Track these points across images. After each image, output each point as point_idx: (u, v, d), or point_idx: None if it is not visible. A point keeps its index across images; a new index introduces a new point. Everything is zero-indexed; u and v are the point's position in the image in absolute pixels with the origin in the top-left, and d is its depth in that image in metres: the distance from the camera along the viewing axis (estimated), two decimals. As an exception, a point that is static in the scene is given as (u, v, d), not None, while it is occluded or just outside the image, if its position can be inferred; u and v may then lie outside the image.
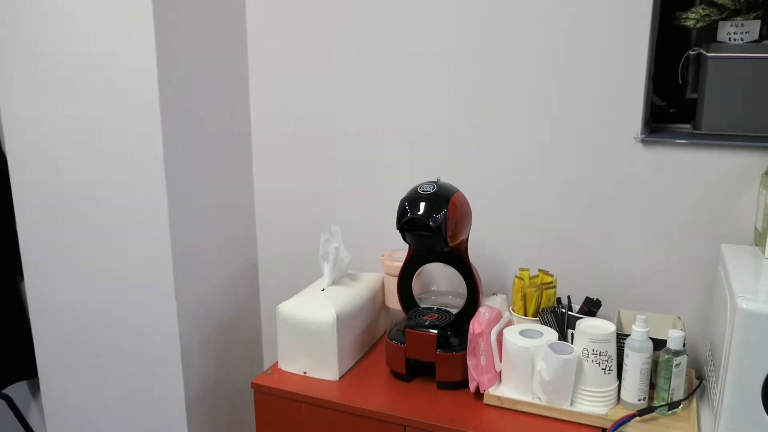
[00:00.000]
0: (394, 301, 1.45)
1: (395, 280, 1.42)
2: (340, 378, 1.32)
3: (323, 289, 1.37)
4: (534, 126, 1.41)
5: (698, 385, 1.24)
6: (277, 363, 1.37)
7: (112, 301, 1.55)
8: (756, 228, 1.25)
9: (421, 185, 1.24)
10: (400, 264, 1.38)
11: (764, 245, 1.16)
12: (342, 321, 1.29)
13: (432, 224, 1.18)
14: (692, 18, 1.28)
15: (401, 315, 1.47)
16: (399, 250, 1.53)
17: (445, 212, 1.19)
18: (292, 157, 1.66)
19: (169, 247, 1.44)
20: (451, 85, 1.46)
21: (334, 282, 1.41)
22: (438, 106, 1.48)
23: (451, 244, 1.22)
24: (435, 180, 1.26)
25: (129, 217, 1.47)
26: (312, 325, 1.29)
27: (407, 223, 1.21)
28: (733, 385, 0.99)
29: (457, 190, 1.25)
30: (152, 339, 1.52)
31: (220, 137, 1.58)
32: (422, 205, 1.20)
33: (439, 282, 1.47)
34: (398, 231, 1.23)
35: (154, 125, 1.38)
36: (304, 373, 1.33)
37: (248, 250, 1.73)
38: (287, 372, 1.34)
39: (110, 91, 1.41)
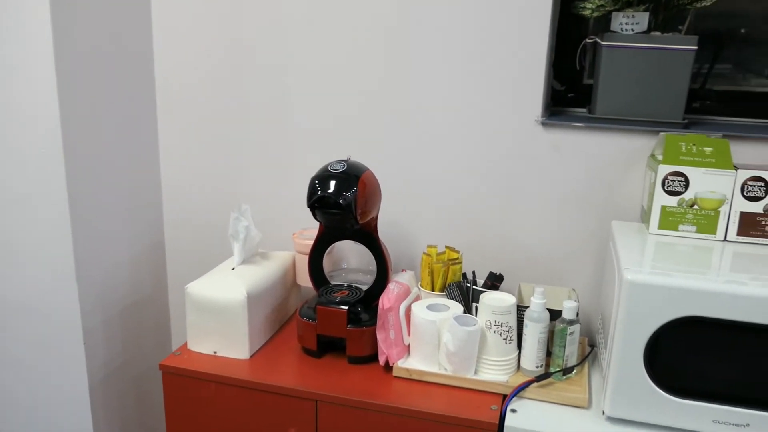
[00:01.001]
0: (305, 279, 1.47)
1: (306, 258, 1.43)
2: (250, 357, 1.32)
3: (233, 269, 1.36)
4: (441, 108, 1.45)
5: (590, 351, 1.34)
6: (186, 344, 1.35)
7: (10, 281, 1.47)
8: (642, 206, 1.35)
9: (331, 164, 1.25)
10: (311, 242, 1.40)
11: (648, 223, 1.26)
12: (252, 299, 1.29)
13: (342, 202, 1.20)
14: (589, 8, 1.36)
15: (312, 293, 1.49)
16: (310, 228, 1.54)
17: (355, 190, 1.21)
18: (199, 134, 1.63)
19: (69, 226, 1.38)
20: (361, 66, 1.47)
21: (244, 261, 1.40)
22: (348, 87, 1.49)
23: (360, 222, 1.24)
24: (345, 158, 1.27)
25: (26, 194, 1.39)
26: (222, 305, 1.28)
27: (317, 201, 1.22)
28: (619, 349, 1.07)
29: (367, 169, 1.27)
30: (52, 321, 1.46)
31: (122, 113, 1.52)
32: (332, 183, 1.22)
33: (350, 259, 1.50)
34: (309, 209, 1.24)
35: (50, 98, 1.31)
36: (214, 352, 1.32)
37: (154, 229, 1.68)
38: (197, 352, 1.33)
39: (2, 59, 1.33)
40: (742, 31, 1.42)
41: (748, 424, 1.05)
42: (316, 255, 1.36)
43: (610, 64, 1.32)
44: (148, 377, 1.72)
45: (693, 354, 1.06)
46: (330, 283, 1.39)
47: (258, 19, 1.51)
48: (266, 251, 1.50)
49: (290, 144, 1.57)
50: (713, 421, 1.06)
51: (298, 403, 1.22)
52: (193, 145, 1.64)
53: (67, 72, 1.33)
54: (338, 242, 1.39)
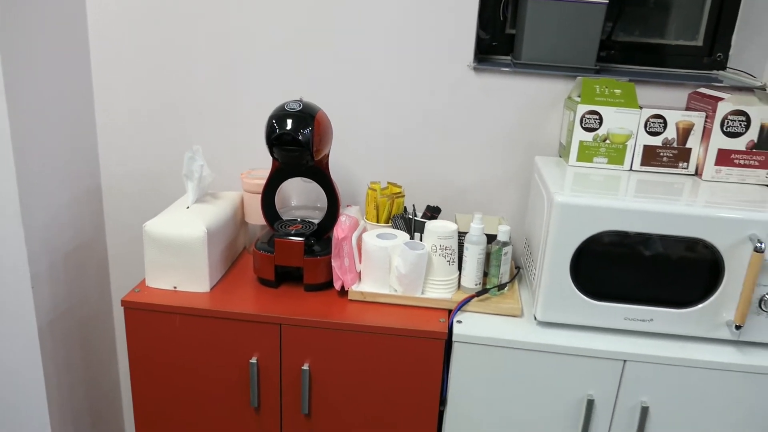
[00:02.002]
0: (253, 218, 1.54)
1: (254, 197, 1.50)
2: (210, 289, 1.38)
3: (188, 207, 1.41)
4: (380, 56, 1.54)
5: (517, 271, 1.52)
6: (144, 281, 1.39)
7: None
8: (560, 142, 1.53)
9: (287, 103, 1.32)
10: (260, 181, 1.46)
11: (567, 156, 1.44)
12: (211, 235, 1.35)
13: (301, 139, 1.27)
14: (514, -39, 1.48)
15: (258, 231, 1.56)
16: (257, 168, 1.60)
17: (311, 128, 1.29)
18: (135, 75, 1.62)
19: (13, 170, 1.36)
20: (303, 12, 1.53)
21: (198, 200, 1.45)
22: (291, 34, 1.55)
23: (316, 159, 1.33)
24: (299, 99, 1.34)
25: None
26: (181, 241, 1.33)
27: (276, 138, 1.29)
28: (549, 262, 1.25)
29: (320, 109, 1.35)
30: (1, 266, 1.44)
31: (56, 53, 1.49)
32: (290, 121, 1.29)
33: (296, 198, 1.58)
34: (267, 146, 1.31)
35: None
36: (174, 288, 1.37)
37: (91, 172, 1.67)
38: (156, 288, 1.37)
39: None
40: (641, -12, 1.62)
41: (652, 319, 1.27)
42: (269, 192, 1.43)
43: (534, 15, 1.47)
44: (93, 320, 1.73)
45: (608, 263, 1.25)
46: (282, 219, 1.47)
47: (197, -38, 1.52)
48: (215, 191, 1.55)
49: (231, 88, 1.60)
50: (624, 319, 1.27)
51: (263, 328, 1.31)
52: (130, 87, 1.63)
53: (2, 20, 1.29)
54: (284, 182, 1.46)
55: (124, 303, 1.32)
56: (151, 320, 1.33)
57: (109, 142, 1.68)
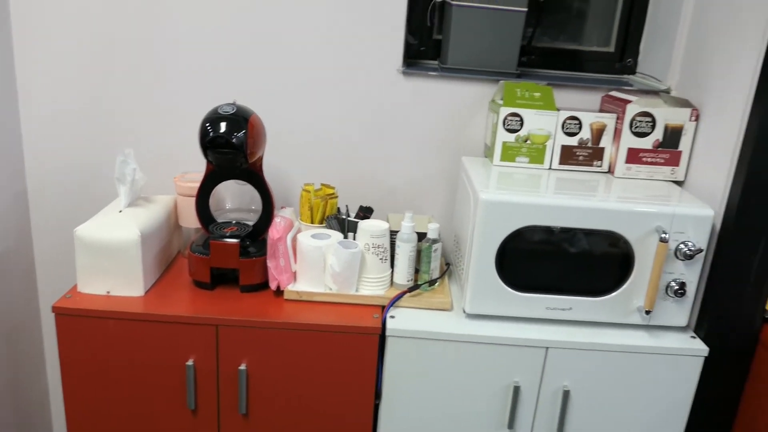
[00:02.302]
0: (187, 221, 1.54)
1: (188, 200, 1.50)
2: (145, 293, 1.38)
3: (120, 211, 1.40)
4: (313, 58, 1.58)
5: (447, 268, 1.58)
6: (75, 286, 1.37)
7: None
8: (485, 143, 1.61)
9: (220, 107, 1.33)
10: (194, 185, 1.47)
11: (492, 156, 1.52)
12: (145, 238, 1.35)
13: (235, 142, 1.29)
14: (439, -30, 1.55)
15: (192, 234, 1.57)
16: (190, 172, 1.61)
17: (245, 131, 1.31)
18: (63, 80, 1.60)
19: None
20: (234, 15, 1.55)
21: (130, 204, 1.44)
22: (221, 34, 1.56)
23: (250, 161, 1.35)
24: (232, 102, 1.36)
25: None
26: (114, 245, 1.32)
27: (210, 141, 1.30)
28: (476, 257, 1.32)
29: (253, 112, 1.37)
30: None
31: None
32: (223, 125, 1.31)
33: (230, 201, 1.59)
34: (201, 149, 1.32)
35: None
36: (108, 292, 1.36)
37: (17, 175, 1.63)
38: (88, 294, 1.36)
39: None
40: (558, -3, 1.72)
41: (571, 308, 1.36)
42: (203, 195, 1.44)
43: (458, 21, 1.54)
44: (19, 327, 1.68)
45: (530, 256, 1.33)
46: (217, 221, 1.48)
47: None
48: (147, 195, 1.54)
49: (161, 90, 1.60)
50: (546, 308, 1.36)
51: (199, 330, 1.32)
52: (57, 88, 1.60)
53: None
54: (218, 185, 1.47)
55: (55, 309, 1.31)
56: (84, 326, 1.32)
57: (35, 144, 1.64)
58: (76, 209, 1.68)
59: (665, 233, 1.27)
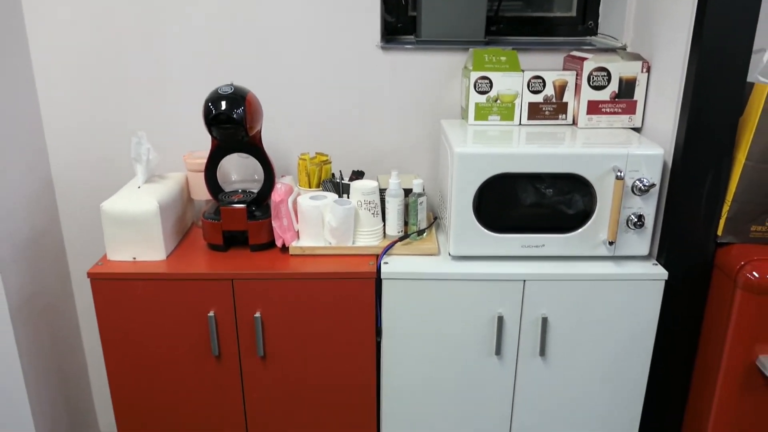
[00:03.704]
0: (198, 194, 1.72)
1: (197, 175, 1.68)
2: (167, 257, 1.56)
3: (139, 187, 1.58)
4: (299, 39, 1.74)
5: (434, 220, 1.76)
6: (105, 255, 1.55)
7: None
8: (461, 106, 1.78)
9: (220, 88, 1.50)
10: (201, 161, 1.64)
11: (467, 117, 1.68)
12: (163, 209, 1.53)
13: (235, 117, 1.47)
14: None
15: (203, 206, 1.74)
16: (197, 150, 1.78)
17: (244, 108, 1.48)
18: (77, 74, 1.77)
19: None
20: (228, 4, 1.71)
21: (147, 181, 1.61)
22: (212, 20, 1.73)
23: (250, 134, 1.52)
24: (229, 83, 1.53)
25: None
26: (137, 215, 1.50)
27: (213, 118, 1.47)
28: (455, 205, 1.49)
29: (250, 91, 1.54)
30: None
31: None
32: (224, 103, 1.47)
33: (235, 173, 1.76)
34: (206, 126, 1.49)
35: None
36: (133, 258, 1.54)
37: (41, 167, 1.81)
38: (117, 261, 1.54)
39: None
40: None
41: (543, 245, 1.53)
42: (211, 168, 1.61)
43: (429, -3, 1.70)
44: (56, 301, 1.87)
45: (504, 201, 1.50)
46: (225, 191, 1.65)
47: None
48: (160, 173, 1.72)
49: (163, 78, 1.77)
50: (522, 246, 1.53)
51: (217, 285, 1.50)
52: (72, 83, 1.78)
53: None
54: (223, 160, 1.65)
55: (90, 275, 1.49)
56: (116, 288, 1.50)
57: (55, 134, 1.82)
58: (97, 190, 1.86)
59: (620, 171, 1.44)
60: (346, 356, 1.57)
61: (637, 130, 1.66)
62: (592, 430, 1.64)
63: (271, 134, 1.82)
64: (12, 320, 1.64)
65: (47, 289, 1.83)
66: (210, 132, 1.51)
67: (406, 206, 1.62)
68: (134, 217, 1.50)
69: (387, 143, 1.84)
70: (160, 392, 1.60)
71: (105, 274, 1.49)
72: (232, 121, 1.47)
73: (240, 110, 1.48)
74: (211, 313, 1.51)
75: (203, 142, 1.76)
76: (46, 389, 1.83)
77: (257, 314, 1.52)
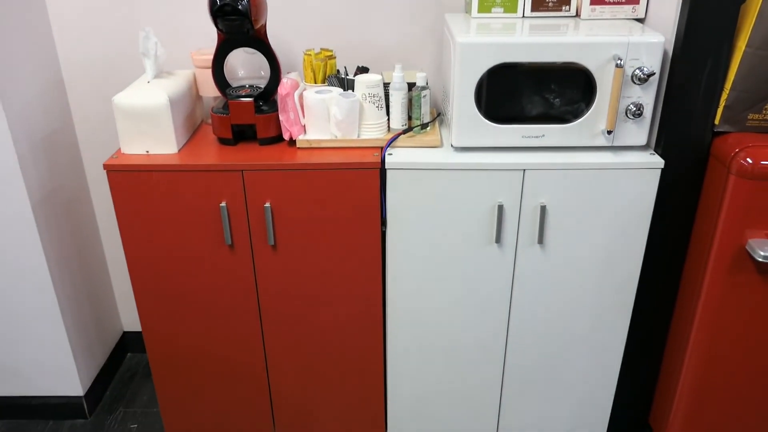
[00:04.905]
0: (206, 90, 1.75)
1: (205, 71, 1.70)
2: (178, 150, 1.62)
3: (149, 82, 1.61)
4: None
5: (437, 115, 1.79)
6: (119, 149, 1.61)
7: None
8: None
9: (224, -21, 1.51)
10: (209, 57, 1.67)
11: (470, 10, 1.68)
12: (173, 102, 1.57)
13: (241, 8, 1.48)
14: None
15: (212, 103, 1.78)
16: (203, 48, 1.80)
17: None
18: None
19: (-13, 60, 1.53)
20: None
21: (156, 76, 1.65)
22: None
23: (255, 27, 1.54)
24: (234, -25, 1.54)
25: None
26: (148, 109, 1.54)
27: (219, 10, 1.49)
28: (458, 96, 1.51)
29: (254, -17, 1.55)
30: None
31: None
32: (228, -5, 1.49)
33: (242, 70, 1.79)
34: (212, 19, 1.51)
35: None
36: (147, 152, 1.60)
37: (52, 67, 1.84)
38: (131, 154, 1.60)
39: None
40: None
41: (543, 135, 1.57)
42: (218, 63, 1.64)
43: None
44: (74, 195, 1.95)
45: (505, 91, 1.53)
46: (232, 86, 1.69)
47: None
48: (169, 70, 1.75)
49: (170, -24, 1.78)
50: (522, 137, 1.57)
51: (227, 176, 1.56)
52: (75, -15, 1.79)
53: None
54: (230, 57, 1.67)
55: (106, 167, 1.55)
56: (131, 180, 1.56)
57: (64, 34, 1.84)
58: (106, 88, 1.90)
59: (620, 60, 1.46)
60: (353, 245, 1.64)
61: (640, 20, 1.65)
62: (587, 315, 1.74)
63: (277, 29, 1.83)
64: (35, 215, 1.72)
65: (65, 184, 1.90)
66: (216, 25, 1.53)
67: (410, 100, 1.65)
68: (145, 110, 1.55)
69: (390, 39, 1.85)
70: (177, 282, 1.69)
71: (120, 166, 1.55)
72: (237, 12, 1.49)
73: (245, 1, 1.49)
74: (223, 204, 1.58)
75: (209, 40, 1.78)
76: (71, 282, 1.93)
77: (267, 204, 1.58)
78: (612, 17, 1.65)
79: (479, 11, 1.67)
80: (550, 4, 1.66)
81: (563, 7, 1.67)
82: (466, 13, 1.74)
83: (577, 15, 1.68)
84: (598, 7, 1.64)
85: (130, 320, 2.30)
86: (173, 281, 1.69)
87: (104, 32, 1.84)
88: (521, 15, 1.67)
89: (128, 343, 2.32)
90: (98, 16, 1.81)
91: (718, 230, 1.54)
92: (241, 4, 1.48)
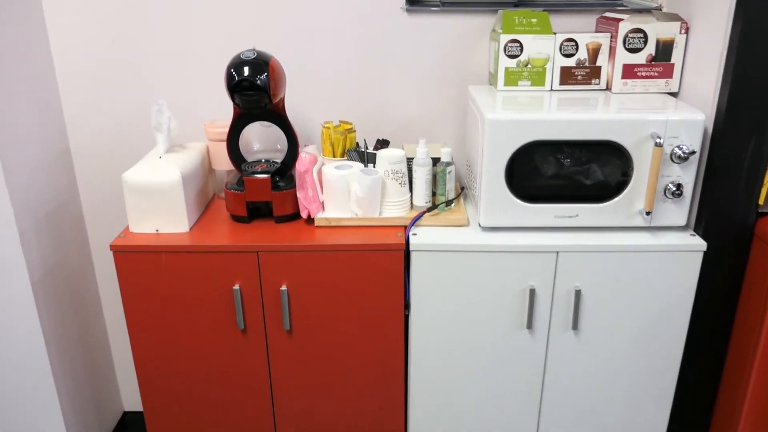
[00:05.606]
0: (219, 164, 1.68)
1: (219, 144, 1.63)
2: (190, 229, 1.53)
3: (160, 157, 1.54)
4: (317, 4, 1.68)
5: (462, 190, 1.71)
6: (127, 228, 1.52)
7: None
8: (489, 71, 1.71)
9: (242, 53, 1.45)
10: (223, 130, 1.60)
11: (496, 82, 1.62)
12: (185, 179, 1.49)
13: (259, 84, 1.41)
14: None
15: (225, 177, 1.70)
16: (217, 119, 1.73)
17: (267, 74, 1.43)
18: (94, 35, 1.72)
19: (-9, 136, 1.46)
20: (246, -32, 1.65)
21: (168, 150, 1.57)
22: (235, -12, 1.67)
23: (273, 102, 1.47)
24: (252, 48, 1.48)
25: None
26: (159, 186, 1.46)
27: (236, 85, 1.42)
28: (487, 174, 1.44)
29: (273, 56, 1.48)
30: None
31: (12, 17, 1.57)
32: (246, 69, 1.42)
33: (258, 143, 1.72)
34: (228, 93, 1.44)
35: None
36: (156, 230, 1.51)
37: (60, 135, 1.77)
38: (140, 233, 1.51)
39: None
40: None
41: (577, 215, 1.48)
42: (233, 137, 1.56)
43: (456, -43, 1.63)
44: (77, 272, 1.85)
45: (537, 169, 1.45)
46: (247, 160, 1.61)
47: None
48: (181, 143, 1.67)
49: (183, 45, 1.72)
50: (555, 217, 1.48)
51: (242, 257, 1.46)
52: (88, 49, 1.73)
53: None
54: (245, 130, 1.60)
55: (113, 247, 1.46)
56: (139, 260, 1.47)
57: (73, 105, 1.78)
58: (115, 161, 1.82)
59: (659, 138, 1.38)
60: (373, 330, 1.54)
61: (674, 95, 1.59)
62: (624, 405, 1.61)
63: (294, 101, 1.76)
64: (34, 292, 1.62)
65: (68, 261, 1.81)
66: (232, 99, 1.46)
67: (434, 176, 1.57)
68: (157, 188, 1.46)
69: (412, 111, 1.78)
70: (184, 367, 1.58)
71: (128, 247, 1.46)
72: (255, 88, 1.42)
73: (263, 76, 1.42)
74: (237, 286, 1.48)
75: (223, 111, 1.71)
76: (70, 363, 1.81)
77: (283, 287, 1.48)
78: (644, 91, 1.58)
79: (506, 84, 1.60)
80: (579, 77, 1.60)
81: (593, 80, 1.61)
82: (491, 85, 1.68)
83: (608, 88, 1.61)
84: (630, 81, 1.57)
85: (132, 399, 2.16)
86: (181, 367, 1.57)
87: (114, 103, 1.77)
88: (549, 88, 1.61)
89: (129, 423, 2.19)
90: (108, 85, 1.75)
91: (766, 318, 1.43)
92: (259, 79, 1.42)
